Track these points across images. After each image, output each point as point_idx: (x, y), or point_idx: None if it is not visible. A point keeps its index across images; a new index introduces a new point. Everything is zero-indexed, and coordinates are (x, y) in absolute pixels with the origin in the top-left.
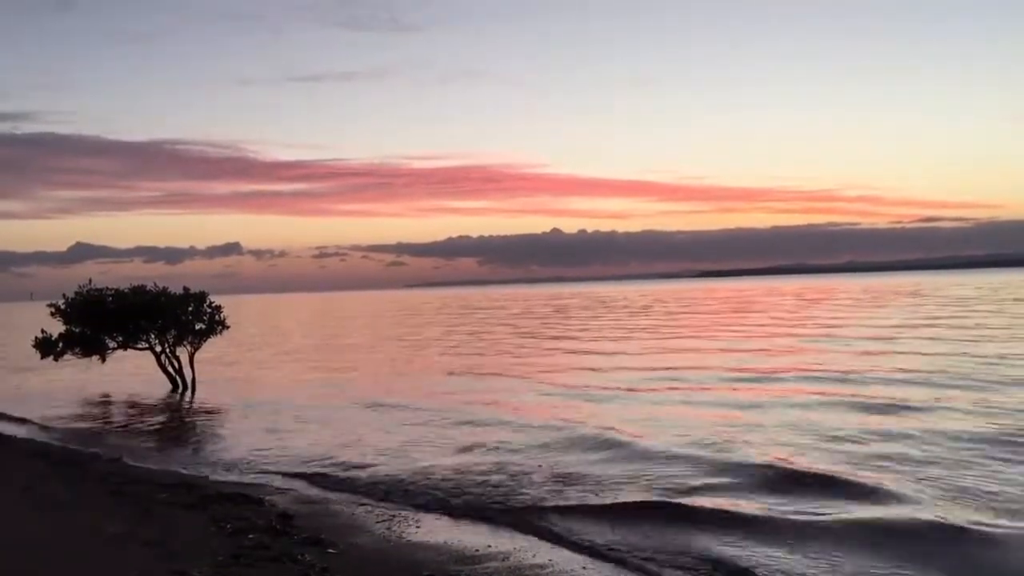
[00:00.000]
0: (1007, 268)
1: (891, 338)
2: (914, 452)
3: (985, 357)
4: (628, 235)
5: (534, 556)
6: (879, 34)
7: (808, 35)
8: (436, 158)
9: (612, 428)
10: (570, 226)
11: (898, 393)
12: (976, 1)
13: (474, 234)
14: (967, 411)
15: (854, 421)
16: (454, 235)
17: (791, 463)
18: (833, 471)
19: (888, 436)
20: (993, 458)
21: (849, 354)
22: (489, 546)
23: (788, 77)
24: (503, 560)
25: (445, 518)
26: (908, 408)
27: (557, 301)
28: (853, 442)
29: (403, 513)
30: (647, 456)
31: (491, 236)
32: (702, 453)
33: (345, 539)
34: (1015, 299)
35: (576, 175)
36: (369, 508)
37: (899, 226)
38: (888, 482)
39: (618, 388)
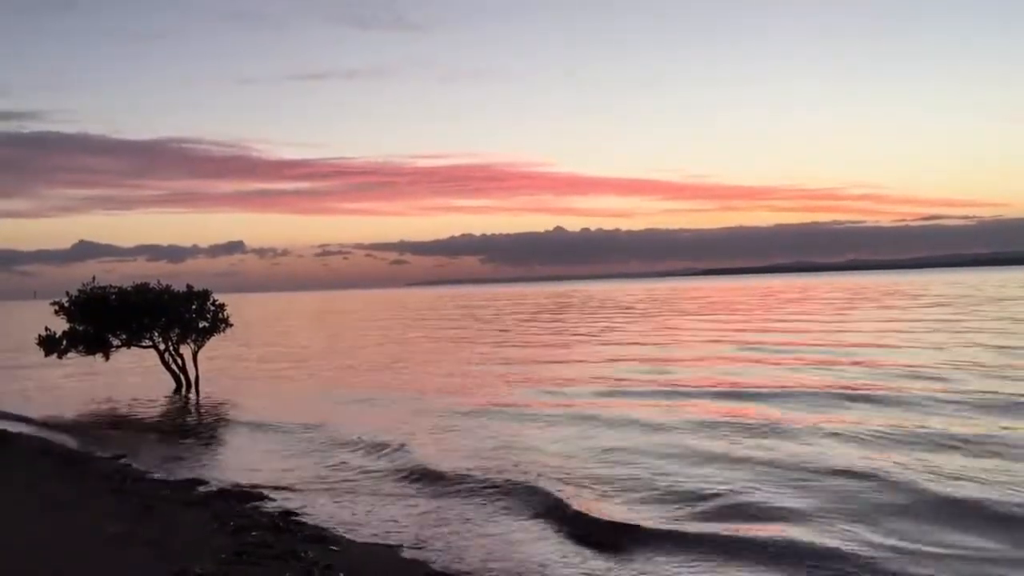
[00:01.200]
0: (1012, 266)
1: (833, 345)
2: (753, 493)
3: (910, 368)
4: (631, 233)
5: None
6: (883, 32)
7: (811, 33)
8: (439, 156)
9: (430, 457)
10: (573, 224)
11: (796, 417)
12: None
13: (477, 232)
14: (849, 438)
15: (715, 448)
16: (457, 233)
17: (582, 506)
18: (642, 519)
19: (744, 467)
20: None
21: (779, 365)
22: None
23: (791, 75)
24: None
25: None
26: (785, 433)
27: (545, 301)
28: (694, 477)
29: None
30: (424, 487)
31: (494, 234)
32: (492, 482)
33: (348, 536)
34: (998, 299)
35: (579, 174)
36: None
37: (903, 224)
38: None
39: (507, 405)
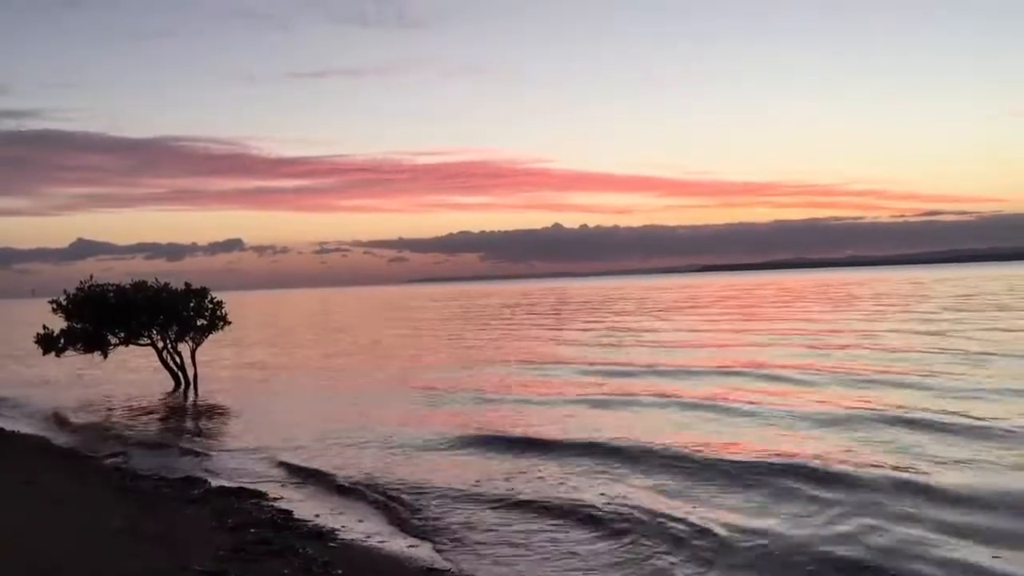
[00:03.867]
0: (1009, 262)
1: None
2: None
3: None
4: (630, 230)
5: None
6: (881, 29)
7: (810, 30)
8: (438, 153)
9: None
10: (572, 221)
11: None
12: None
13: (476, 229)
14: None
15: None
16: (455, 231)
17: None
18: None
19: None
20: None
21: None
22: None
23: (790, 71)
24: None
25: None
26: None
27: (519, 299)
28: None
29: None
30: None
31: (493, 231)
32: None
33: (346, 534)
34: (955, 296)
35: (577, 170)
36: None
37: (901, 220)
38: None
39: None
